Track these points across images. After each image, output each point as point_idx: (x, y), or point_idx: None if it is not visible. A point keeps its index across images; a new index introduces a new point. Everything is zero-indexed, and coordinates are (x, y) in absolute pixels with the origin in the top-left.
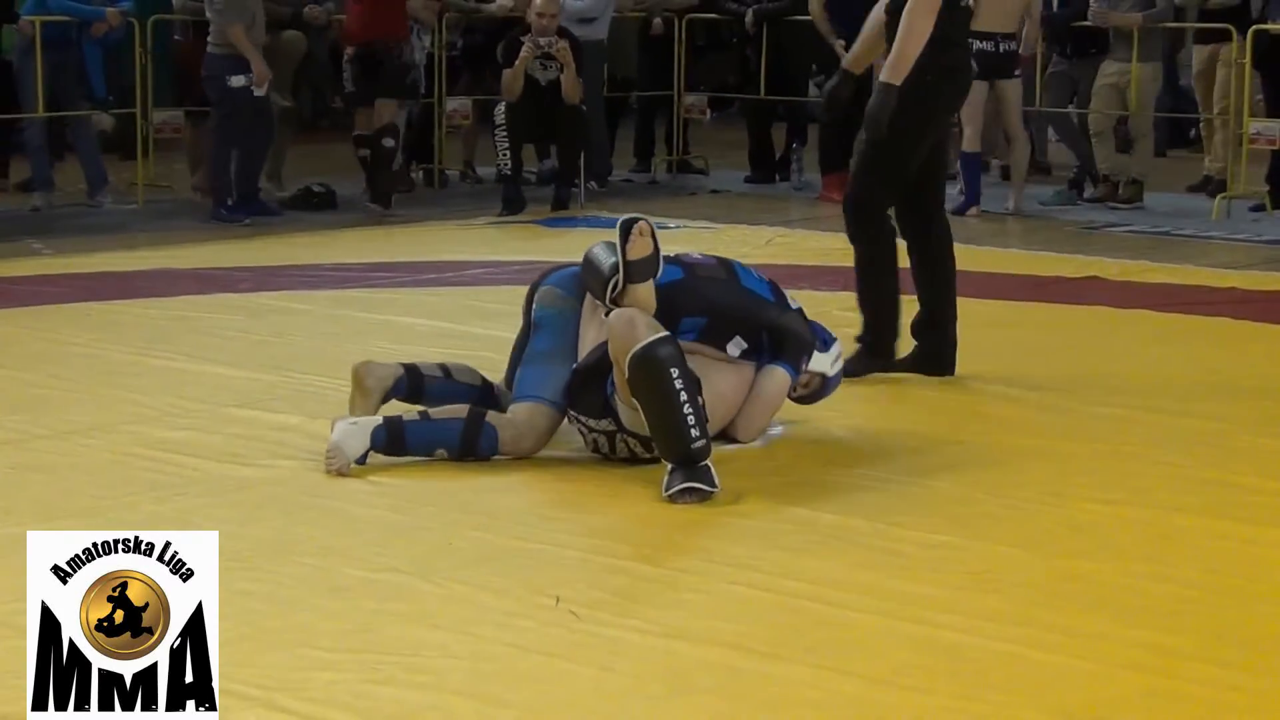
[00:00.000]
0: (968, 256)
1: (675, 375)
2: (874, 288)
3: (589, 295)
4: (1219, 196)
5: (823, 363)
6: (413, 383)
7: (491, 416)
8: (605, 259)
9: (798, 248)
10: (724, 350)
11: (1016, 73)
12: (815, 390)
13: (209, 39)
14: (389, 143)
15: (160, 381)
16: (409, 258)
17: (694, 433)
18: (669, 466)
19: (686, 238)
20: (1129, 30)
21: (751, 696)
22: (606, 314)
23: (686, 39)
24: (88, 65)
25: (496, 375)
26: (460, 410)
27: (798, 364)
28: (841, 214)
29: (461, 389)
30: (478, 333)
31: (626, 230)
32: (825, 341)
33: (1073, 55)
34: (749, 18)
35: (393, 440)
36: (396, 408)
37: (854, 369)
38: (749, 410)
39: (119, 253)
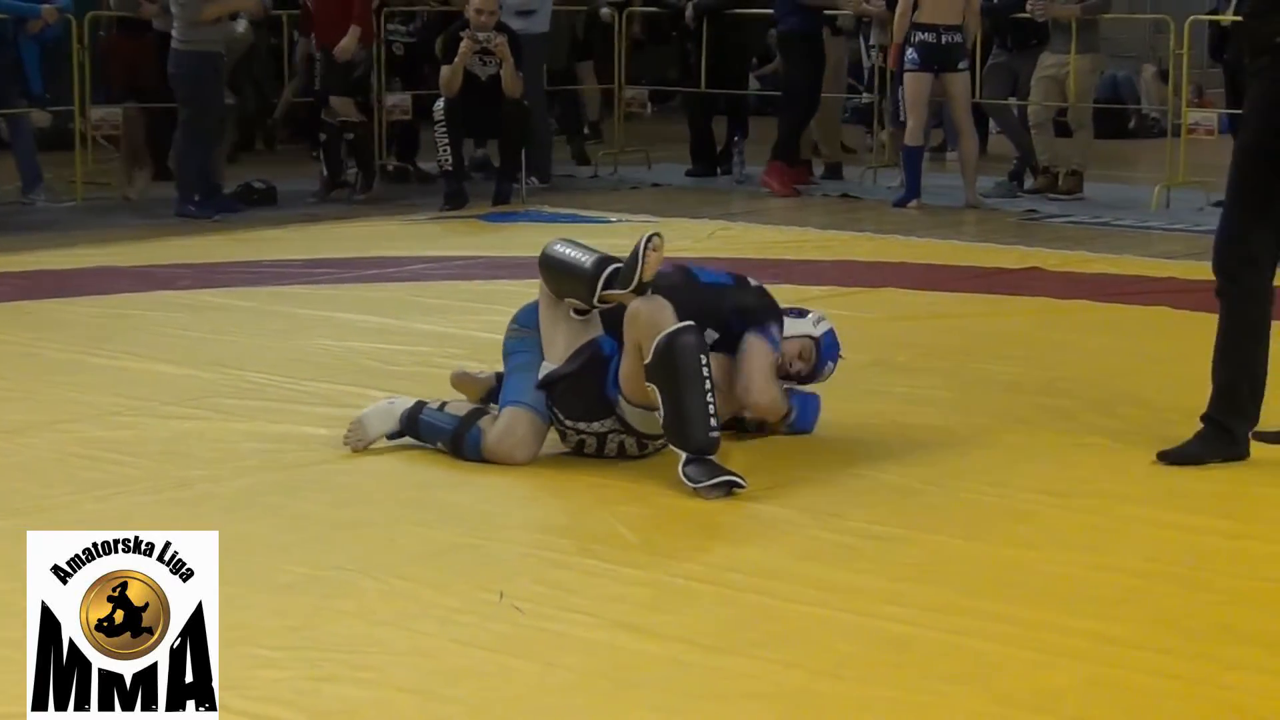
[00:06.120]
0: (909, 249)
1: (704, 363)
2: (1231, 353)
3: (546, 299)
4: (1158, 186)
5: (802, 326)
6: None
7: (484, 420)
8: (581, 258)
9: (740, 240)
10: None
11: (962, 65)
12: (813, 360)
13: (175, 35)
14: (349, 136)
15: (100, 380)
16: (350, 254)
17: (712, 421)
18: (685, 458)
19: (629, 231)
20: (1067, 22)
21: (696, 690)
22: (578, 312)
23: (626, 32)
24: (24, 62)
25: (434, 368)
26: (465, 408)
27: (766, 329)
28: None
29: None
30: (419, 328)
31: (648, 254)
32: (799, 312)
33: (1013, 47)
34: (689, 11)
35: (411, 425)
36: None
37: (1197, 454)
38: (744, 377)
39: (57, 250)
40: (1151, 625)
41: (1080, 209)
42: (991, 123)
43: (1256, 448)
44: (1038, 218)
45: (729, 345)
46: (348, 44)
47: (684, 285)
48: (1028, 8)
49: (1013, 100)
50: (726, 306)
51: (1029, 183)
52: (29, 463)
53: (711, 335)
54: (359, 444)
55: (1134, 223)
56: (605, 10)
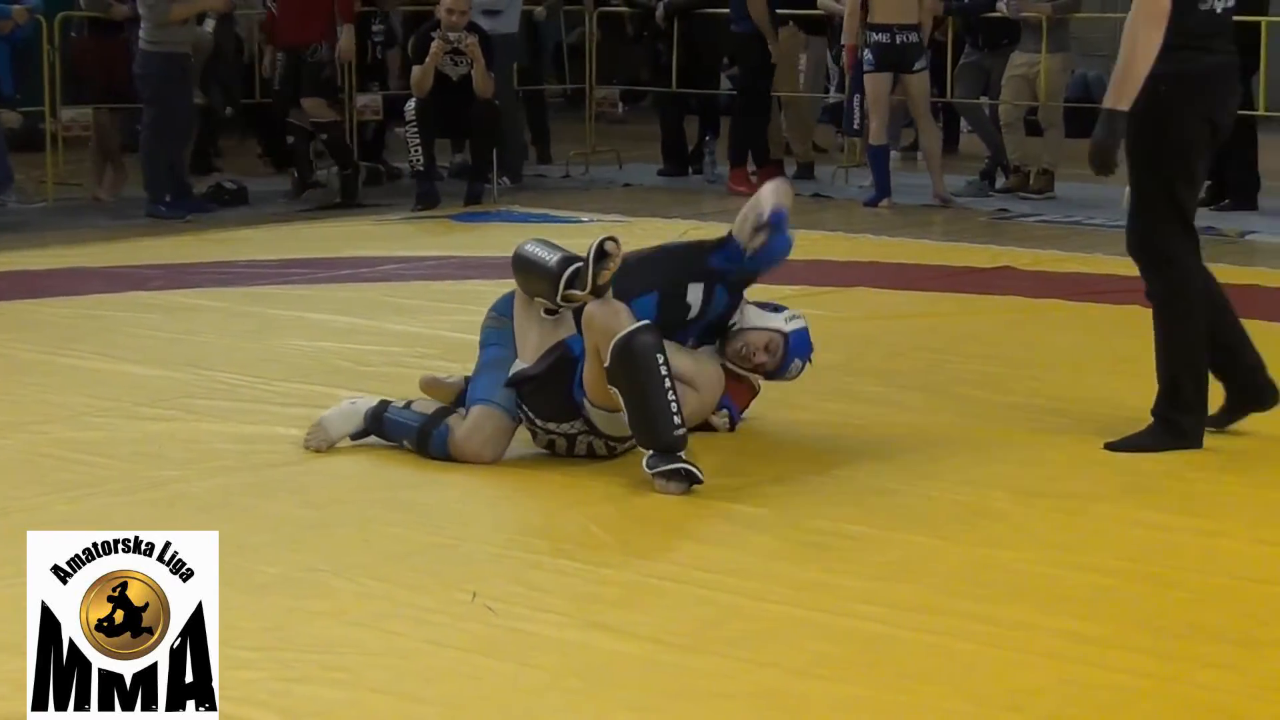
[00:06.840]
0: (880, 248)
1: (661, 361)
2: (1171, 350)
3: (521, 297)
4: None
5: (773, 320)
6: None
7: (452, 418)
8: (548, 257)
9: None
10: (685, 308)
11: (918, 66)
12: (780, 355)
13: (142, 36)
14: (323, 137)
15: (71, 381)
16: (322, 254)
17: (676, 420)
18: (650, 451)
19: (602, 231)
20: (1038, 21)
21: (670, 689)
22: (547, 311)
23: (598, 33)
24: None
25: (406, 368)
26: (432, 406)
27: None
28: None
29: None
30: (391, 328)
31: (601, 258)
32: (774, 307)
33: (984, 46)
34: (660, 11)
35: (376, 424)
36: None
37: (1142, 445)
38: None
39: (28, 251)
40: (1124, 624)
41: (1051, 208)
42: (963, 122)
43: (1226, 445)
44: (1009, 217)
45: (711, 297)
46: (346, 44)
47: (653, 250)
48: (998, 5)
49: (984, 99)
50: (707, 249)
51: (1000, 182)
52: None
53: (697, 291)
54: (321, 445)
55: (1105, 221)
56: (539, 10)
